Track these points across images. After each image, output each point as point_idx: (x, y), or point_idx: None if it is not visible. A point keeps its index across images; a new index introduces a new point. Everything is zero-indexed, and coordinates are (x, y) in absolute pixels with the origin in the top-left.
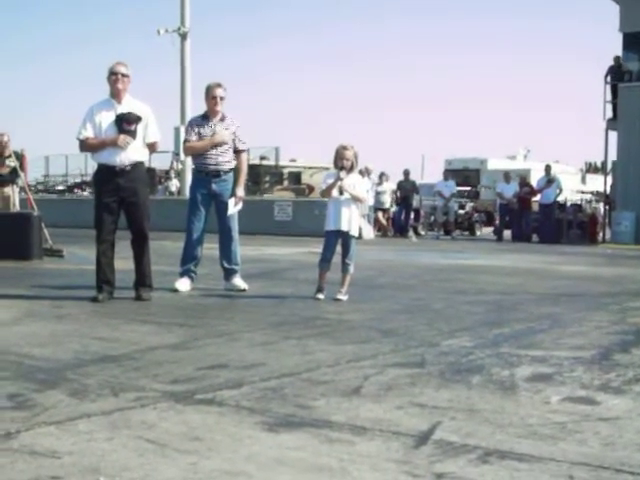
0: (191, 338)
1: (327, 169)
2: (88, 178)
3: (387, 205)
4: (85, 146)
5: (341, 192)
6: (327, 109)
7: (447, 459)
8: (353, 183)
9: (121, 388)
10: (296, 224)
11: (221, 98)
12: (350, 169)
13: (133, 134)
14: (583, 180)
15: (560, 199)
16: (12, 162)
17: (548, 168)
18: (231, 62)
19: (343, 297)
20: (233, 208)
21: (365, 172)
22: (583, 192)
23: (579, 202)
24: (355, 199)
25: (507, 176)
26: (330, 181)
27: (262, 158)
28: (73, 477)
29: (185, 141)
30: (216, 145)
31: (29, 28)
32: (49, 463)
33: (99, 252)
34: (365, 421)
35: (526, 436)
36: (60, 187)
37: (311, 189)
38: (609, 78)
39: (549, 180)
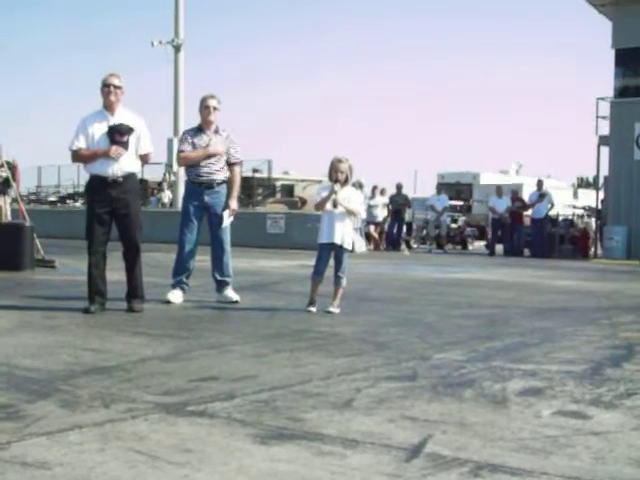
0: (183, 350)
1: (320, 182)
2: (80, 189)
3: (379, 219)
4: (77, 157)
5: (335, 205)
6: (320, 122)
7: (439, 473)
8: (348, 197)
9: (112, 399)
10: (288, 237)
11: (214, 108)
12: (345, 182)
13: (125, 145)
14: (575, 195)
15: (552, 214)
16: (4, 172)
17: (540, 183)
18: (225, 74)
19: (335, 310)
20: (227, 220)
21: (357, 186)
22: (575, 207)
23: (571, 217)
24: (349, 213)
25: (499, 190)
26: (324, 194)
27: (255, 171)
28: None
29: (179, 151)
30: (210, 156)
31: (21, 37)
32: (40, 474)
33: (91, 263)
34: (357, 434)
35: (517, 450)
36: (52, 198)
37: (304, 202)
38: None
39: (541, 195)
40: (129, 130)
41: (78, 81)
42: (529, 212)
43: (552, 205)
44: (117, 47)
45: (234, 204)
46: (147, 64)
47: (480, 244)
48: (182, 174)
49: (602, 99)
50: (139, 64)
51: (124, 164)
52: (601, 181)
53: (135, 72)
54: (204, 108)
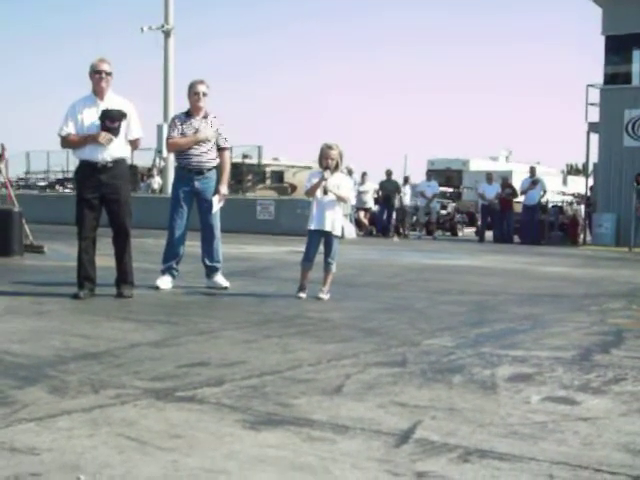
0: (172, 336)
1: (310, 168)
2: (70, 174)
3: (369, 205)
4: (66, 142)
5: (325, 192)
6: (310, 108)
7: (428, 458)
8: (338, 183)
9: (102, 385)
10: (278, 223)
11: (204, 94)
12: (335, 168)
13: (116, 131)
14: (564, 182)
15: (542, 201)
16: None
17: (533, 170)
18: (214, 60)
19: (325, 296)
20: (217, 206)
21: (347, 172)
22: (564, 194)
23: (560, 204)
24: (339, 199)
25: (489, 177)
26: (315, 180)
27: (245, 156)
28: (53, 474)
29: (168, 138)
30: (199, 142)
31: (10, 22)
32: (28, 460)
33: (80, 249)
34: (346, 420)
35: (506, 435)
36: (41, 183)
37: (294, 188)
38: None
39: (534, 181)
40: (121, 116)
41: (68, 68)
42: (520, 199)
43: (545, 192)
44: (107, 34)
45: (224, 189)
46: (137, 51)
47: (470, 231)
48: (172, 160)
49: (592, 86)
50: (129, 51)
51: (114, 149)
52: (590, 168)
53: (125, 59)
54: (193, 94)
